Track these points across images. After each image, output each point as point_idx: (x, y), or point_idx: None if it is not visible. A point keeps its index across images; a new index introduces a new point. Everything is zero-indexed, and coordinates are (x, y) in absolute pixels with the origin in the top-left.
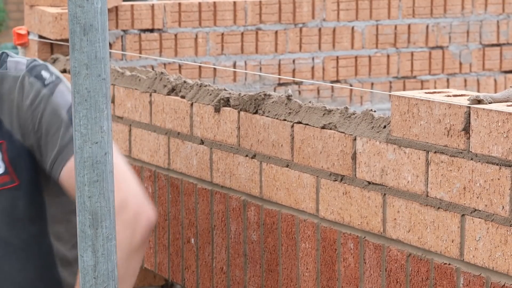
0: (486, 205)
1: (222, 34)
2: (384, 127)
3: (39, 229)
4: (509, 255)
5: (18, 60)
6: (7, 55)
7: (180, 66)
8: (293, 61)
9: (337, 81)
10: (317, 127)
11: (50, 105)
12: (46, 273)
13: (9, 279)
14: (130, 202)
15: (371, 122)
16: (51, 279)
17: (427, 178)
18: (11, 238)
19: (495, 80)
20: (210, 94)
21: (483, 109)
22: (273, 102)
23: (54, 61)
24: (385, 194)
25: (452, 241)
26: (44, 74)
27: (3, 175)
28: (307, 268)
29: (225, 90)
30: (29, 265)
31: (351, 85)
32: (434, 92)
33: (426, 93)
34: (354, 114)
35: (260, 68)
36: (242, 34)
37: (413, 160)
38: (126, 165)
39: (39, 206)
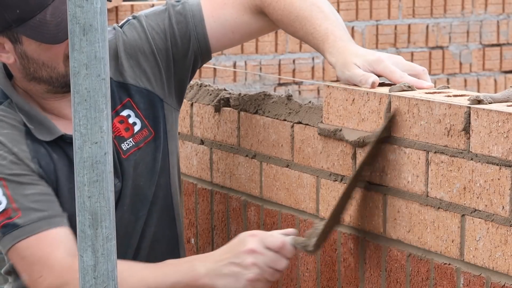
0: (486, 205)
1: None
2: None
3: (165, 181)
4: (509, 255)
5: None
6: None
7: None
8: (293, 61)
9: (337, 81)
10: (317, 127)
11: (148, 21)
12: (169, 228)
13: (148, 237)
14: None
15: None
16: (172, 234)
17: (427, 178)
18: (149, 194)
19: (495, 80)
20: (210, 94)
21: (483, 109)
22: (273, 102)
23: None
24: (385, 194)
25: (452, 241)
26: (127, 20)
27: (142, 129)
28: (307, 268)
29: (225, 90)
30: (160, 221)
31: None
32: (434, 92)
33: (426, 93)
34: None
35: (260, 68)
36: None
37: (413, 160)
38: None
39: (166, 156)
